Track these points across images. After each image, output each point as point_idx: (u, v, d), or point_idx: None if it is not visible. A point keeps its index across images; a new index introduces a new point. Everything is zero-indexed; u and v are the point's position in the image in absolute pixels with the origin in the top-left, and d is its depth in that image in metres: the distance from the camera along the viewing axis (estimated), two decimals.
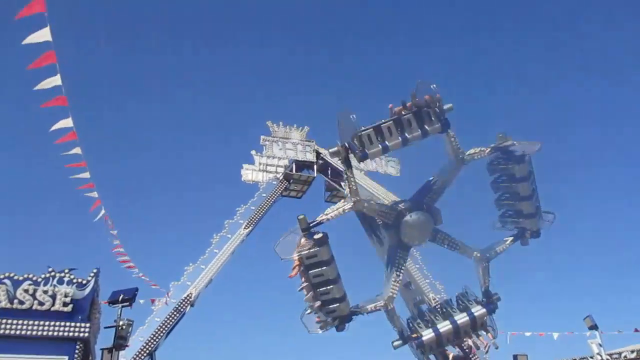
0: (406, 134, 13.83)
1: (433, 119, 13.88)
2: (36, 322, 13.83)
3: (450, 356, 17.75)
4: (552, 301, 54.25)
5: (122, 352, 16.29)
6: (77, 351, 13.85)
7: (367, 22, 68.34)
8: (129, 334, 15.96)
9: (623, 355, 23.18)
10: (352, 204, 14.17)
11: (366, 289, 15.75)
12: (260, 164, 26.93)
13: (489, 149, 15.01)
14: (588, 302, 52.91)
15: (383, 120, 13.69)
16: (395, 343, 14.62)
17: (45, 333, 13.82)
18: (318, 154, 27.15)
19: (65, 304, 14.23)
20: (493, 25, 69.07)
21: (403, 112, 13.86)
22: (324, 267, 13.53)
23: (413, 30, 71.26)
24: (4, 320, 13.73)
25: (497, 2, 69.28)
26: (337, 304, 13.86)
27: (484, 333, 14.94)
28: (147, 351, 20.84)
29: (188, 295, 22.23)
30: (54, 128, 13.36)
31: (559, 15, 65.72)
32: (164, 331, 21.37)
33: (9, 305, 14.00)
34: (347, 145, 13.58)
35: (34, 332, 13.77)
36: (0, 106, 51.13)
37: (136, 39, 62.63)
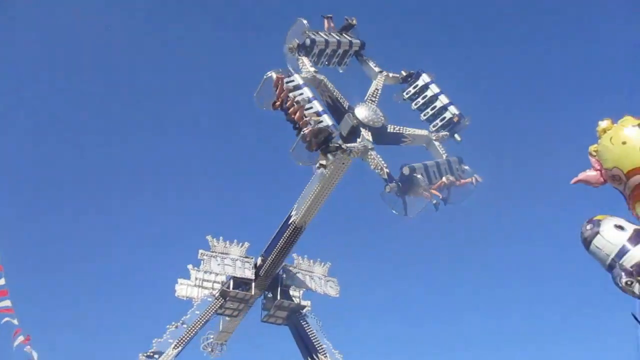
0: (338, 38, 19.84)
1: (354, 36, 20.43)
2: None
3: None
4: None
5: None
6: None
7: None
8: None
9: None
10: (312, 71, 18.62)
11: None
12: (196, 279, 26.18)
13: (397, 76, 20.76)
14: None
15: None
16: (390, 185, 16.92)
17: None
18: (257, 269, 26.49)
19: None
20: None
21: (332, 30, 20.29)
22: (303, 88, 17.76)
23: None
24: None
25: None
26: (323, 115, 17.22)
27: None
28: None
29: None
30: None
31: None
32: None
33: None
34: (297, 41, 18.80)
35: None
36: None
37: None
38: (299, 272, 27.04)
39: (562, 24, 63.41)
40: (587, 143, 9.14)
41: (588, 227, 8.78)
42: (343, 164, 19.75)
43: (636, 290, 8.23)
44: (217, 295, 25.73)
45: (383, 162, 17.99)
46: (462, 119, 20.00)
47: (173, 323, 24.26)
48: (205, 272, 26.18)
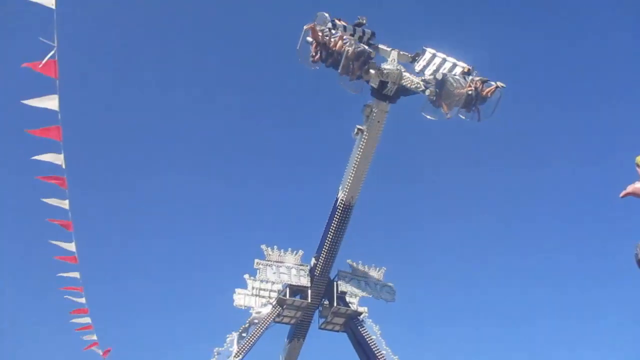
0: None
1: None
2: None
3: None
4: None
5: None
6: None
7: None
8: None
9: None
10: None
11: None
12: (253, 288, 26.50)
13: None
14: None
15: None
16: (428, 91, 18.34)
17: None
18: (312, 271, 26.52)
19: None
20: None
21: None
22: (337, 23, 19.59)
23: None
24: None
25: None
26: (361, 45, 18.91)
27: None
28: None
29: None
30: None
31: None
32: None
33: None
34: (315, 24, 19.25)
35: None
36: None
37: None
38: (354, 278, 27.03)
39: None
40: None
41: None
42: (378, 122, 20.43)
43: None
44: (274, 303, 25.98)
45: (417, 79, 19.37)
46: (473, 69, 20.00)
47: (233, 332, 24.65)
48: (262, 281, 26.48)
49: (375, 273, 27.67)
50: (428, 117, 19.05)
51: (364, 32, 20.70)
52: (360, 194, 22.75)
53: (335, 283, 26.20)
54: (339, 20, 20.71)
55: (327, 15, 20.22)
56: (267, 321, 25.54)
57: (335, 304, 25.83)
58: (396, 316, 39.37)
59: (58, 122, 12.44)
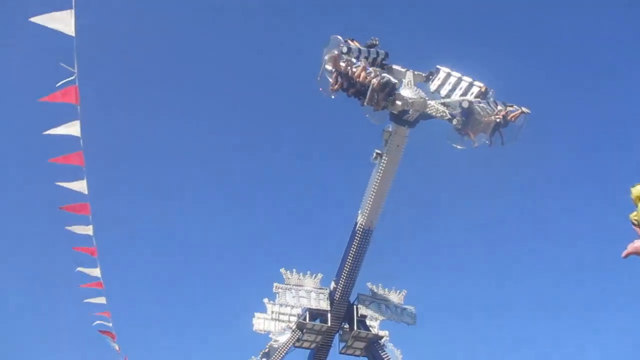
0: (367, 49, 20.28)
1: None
2: None
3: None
4: None
5: None
6: None
7: None
8: None
9: None
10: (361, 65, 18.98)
11: None
12: (272, 312, 26.30)
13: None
14: None
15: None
16: (455, 120, 18.13)
17: None
18: (332, 296, 26.23)
19: None
20: None
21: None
22: (360, 51, 19.51)
23: None
24: None
25: None
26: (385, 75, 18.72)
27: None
28: None
29: None
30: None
31: None
32: None
33: None
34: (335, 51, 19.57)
35: None
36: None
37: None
38: (374, 302, 26.75)
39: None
40: None
41: None
42: (398, 146, 20.44)
43: None
44: (294, 327, 25.75)
45: (442, 107, 19.13)
46: (489, 89, 19.89)
47: (253, 357, 24.46)
48: (281, 305, 26.28)
49: (395, 296, 27.36)
50: (457, 147, 18.92)
51: (377, 53, 20.80)
52: (380, 218, 22.61)
53: (355, 307, 25.94)
54: (352, 40, 20.78)
55: (340, 38, 20.41)
56: (287, 346, 25.30)
57: (355, 328, 25.55)
58: (417, 340, 38.83)
59: (80, 147, 12.57)
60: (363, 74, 18.84)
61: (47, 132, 12.04)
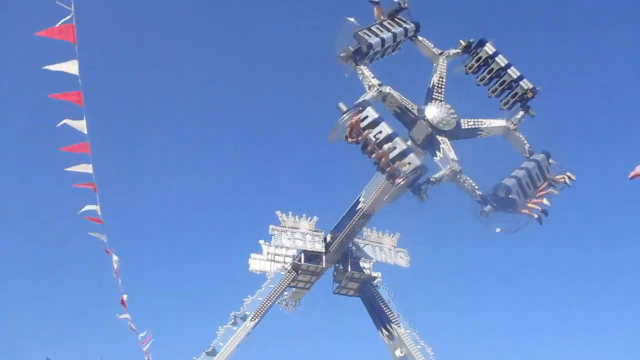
0: (393, 31, 18.46)
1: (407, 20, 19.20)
2: None
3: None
4: None
5: None
6: None
7: None
8: None
9: None
10: (376, 88, 17.34)
11: None
12: (268, 253, 26.80)
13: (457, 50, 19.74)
14: None
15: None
16: (486, 208, 16.60)
17: None
18: (327, 245, 26.79)
19: None
20: None
21: (382, 17, 18.86)
22: (381, 123, 16.34)
23: None
24: None
25: None
26: (409, 154, 16.05)
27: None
28: None
29: None
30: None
31: None
32: None
33: None
34: (350, 47, 17.41)
35: None
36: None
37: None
38: (368, 244, 27.29)
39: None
40: None
41: None
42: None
43: None
44: (289, 268, 26.31)
45: (474, 183, 17.59)
46: (536, 93, 19.20)
47: (249, 296, 25.02)
48: (277, 246, 26.77)
49: (389, 239, 27.91)
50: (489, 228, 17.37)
51: (406, 33, 18.79)
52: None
53: (349, 249, 26.47)
54: (377, 5, 18.56)
55: (353, 21, 18.36)
56: (283, 285, 25.90)
57: (349, 269, 26.14)
58: (410, 282, 39.74)
59: (79, 87, 12.57)
60: (384, 159, 16.21)
61: (46, 67, 12.02)
